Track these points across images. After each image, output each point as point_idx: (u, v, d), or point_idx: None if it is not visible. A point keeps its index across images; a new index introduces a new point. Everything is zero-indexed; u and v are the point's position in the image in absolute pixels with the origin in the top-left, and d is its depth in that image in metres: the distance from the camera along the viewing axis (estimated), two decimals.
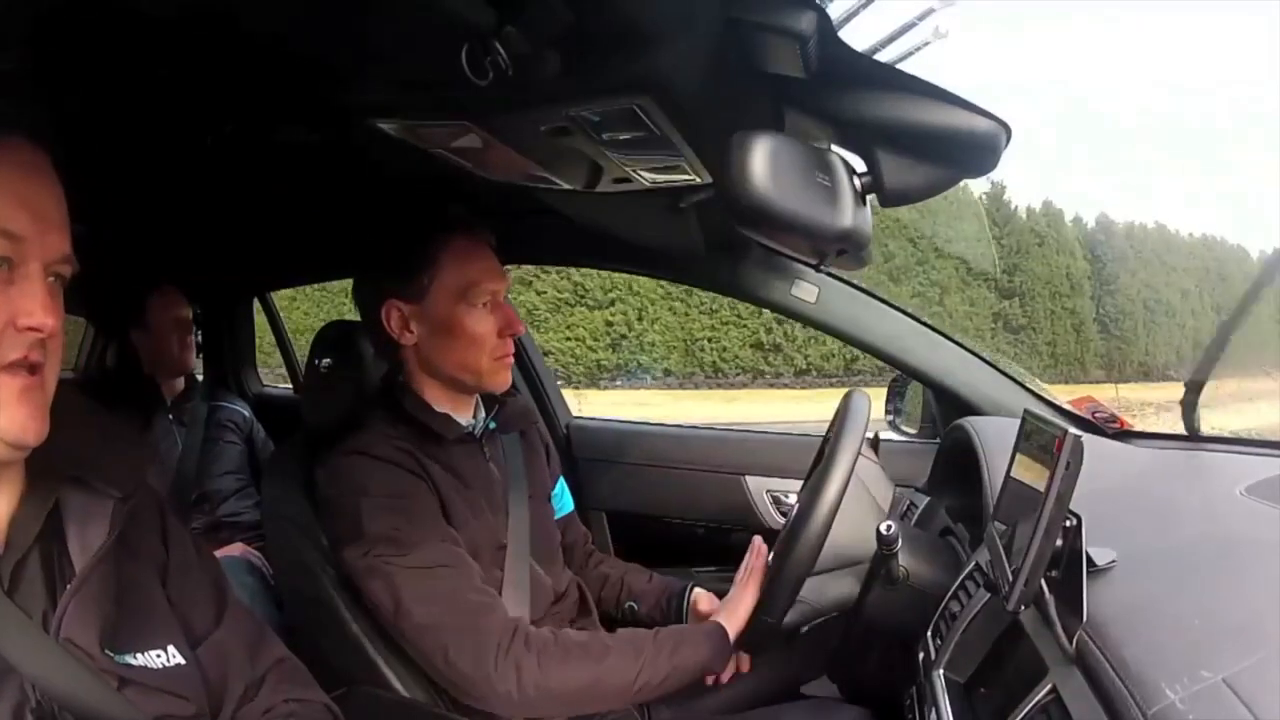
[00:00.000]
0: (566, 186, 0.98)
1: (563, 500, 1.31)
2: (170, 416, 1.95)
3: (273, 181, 1.19)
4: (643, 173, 0.94)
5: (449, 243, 1.07)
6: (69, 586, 0.61)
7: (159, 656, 0.65)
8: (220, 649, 0.71)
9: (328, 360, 1.16)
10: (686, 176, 0.95)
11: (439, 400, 1.10)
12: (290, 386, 2.55)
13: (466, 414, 1.13)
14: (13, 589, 0.60)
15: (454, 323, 1.07)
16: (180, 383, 2.00)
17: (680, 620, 1.21)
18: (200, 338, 2.39)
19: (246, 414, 2.13)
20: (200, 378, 2.23)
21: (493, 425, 1.15)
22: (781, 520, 1.47)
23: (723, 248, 1.41)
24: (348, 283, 1.20)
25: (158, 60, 0.69)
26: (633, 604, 1.27)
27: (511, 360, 1.12)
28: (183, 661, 0.66)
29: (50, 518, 0.63)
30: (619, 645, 1.02)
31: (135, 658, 0.63)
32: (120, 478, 0.66)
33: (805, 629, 1.06)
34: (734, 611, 1.09)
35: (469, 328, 1.07)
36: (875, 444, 1.01)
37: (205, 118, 0.86)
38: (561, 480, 1.32)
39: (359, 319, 1.14)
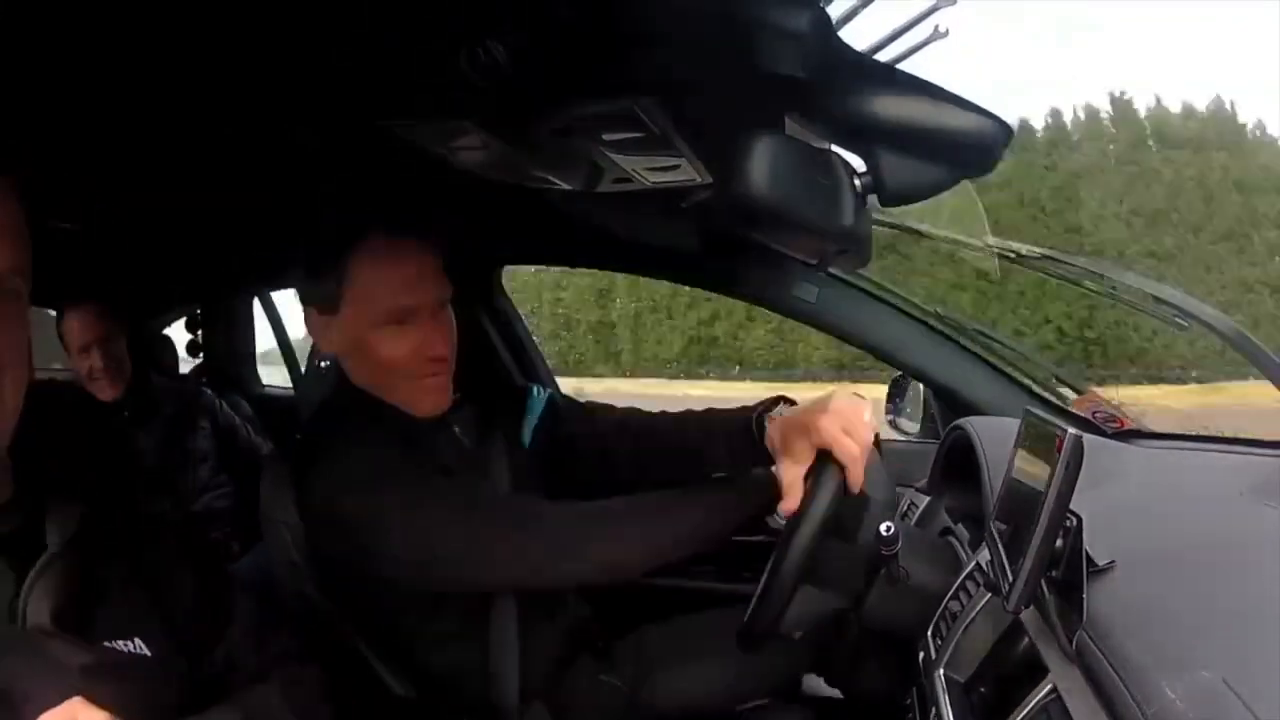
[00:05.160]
0: (566, 186, 0.98)
1: (533, 407, 1.16)
2: (127, 416, 1.92)
3: (273, 181, 1.19)
4: (643, 173, 0.94)
5: (361, 250, 0.95)
6: (34, 569, 0.60)
7: (126, 646, 0.64)
8: (230, 652, 0.72)
9: (327, 362, 1.16)
10: (686, 176, 0.95)
11: (390, 396, 1.01)
12: (290, 387, 2.55)
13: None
14: None
15: (361, 341, 0.97)
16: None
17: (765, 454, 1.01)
18: (200, 336, 2.41)
19: (216, 401, 2.12)
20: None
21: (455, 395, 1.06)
22: (782, 522, 1.47)
23: (723, 248, 1.41)
24: None
25: (157, 60, 0.69)
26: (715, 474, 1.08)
27: (441, 383, 1.01)
28: (148, 654, 0.65)
29: (33, 519, 0.63)
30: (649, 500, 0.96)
31: (104, 644, 0.63)
32: (101, 479, 0.68)
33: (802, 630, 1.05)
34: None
35: (374, 349, 0.96)
36: (876, 443, 1.00)
37: (205, 118, 0.86)
38: (529, 394, 1.19)
39: None
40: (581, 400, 1.25)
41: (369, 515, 0.92)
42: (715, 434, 1.06)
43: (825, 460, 0.91)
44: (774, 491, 0.96)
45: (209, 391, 2.14)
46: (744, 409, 1.04)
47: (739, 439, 1.02)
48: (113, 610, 0.64)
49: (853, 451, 0.90)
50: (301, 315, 1.05)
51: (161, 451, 1.94)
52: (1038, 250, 1.34)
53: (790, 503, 0.93)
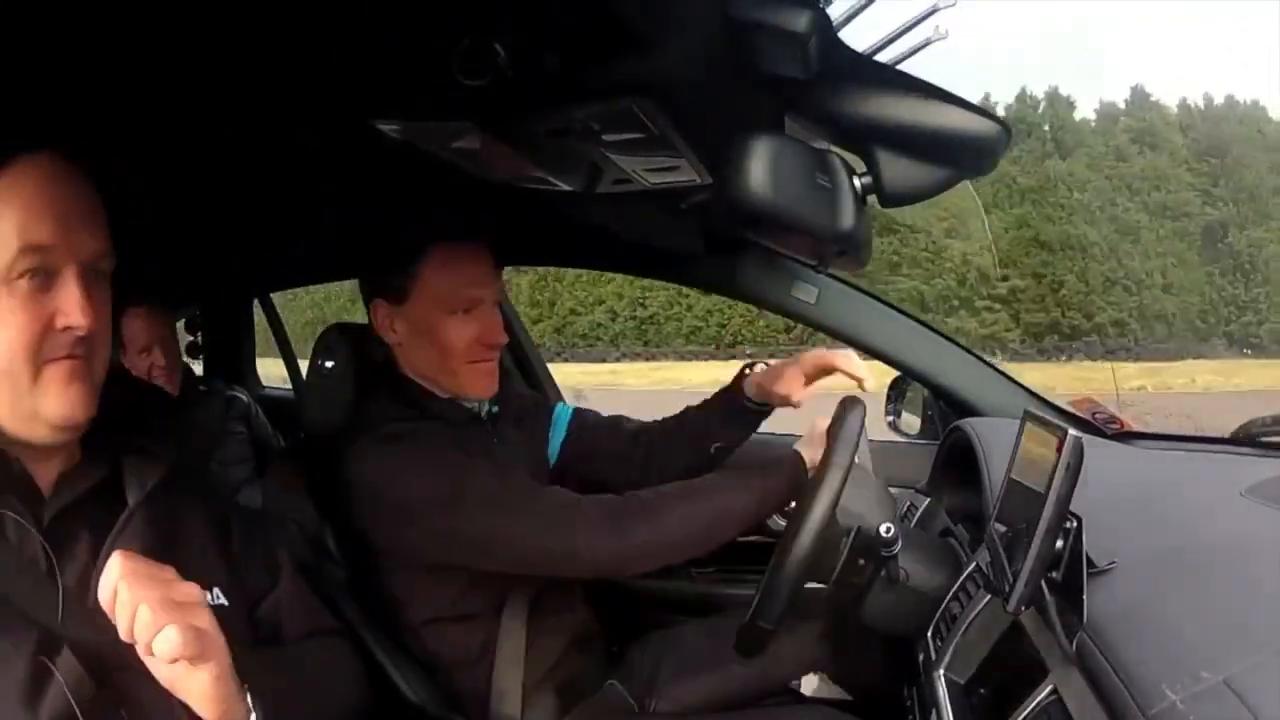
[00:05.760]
0: (566, 186, 0.98)
1: (559, 422, 1.28)
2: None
3: (273, 181, 1.19)
4: (643, 173, 0.94)
5: (434, 247, 1.06)
6: (117, 523, 0.66)
7: (209, 596, 0.66)
8: (275, 606, 0.77)
9: (330, 362, 1.16)
10: (686, 177, 0.95)
11: (438, 390, 1.10)
12: (290, 388, 2.55)
13: (468, 400, 1.13)
14: (51, 536, 0.63)
15: (430, 327, 1.07)
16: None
17: (755, 411, 1.21)
18: (200, 338, 2.41)
19: (246, 399, 2.16)
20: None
21: (495, 409, 1.15)
22: (782, 523, 1.47)
23: (723, 248, 1.41)
24: None
25: (157, 60, 0.69)
26: (717, 445, 1.24)
27: (492, 368, 1.11)
28: (225, 603, 0.69)
29: (110, 484, 0.67)
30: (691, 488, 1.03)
31: None
32: (171, 441, 0.72)
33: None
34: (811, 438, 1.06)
35: (442, 334, 1.07)
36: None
37: (205, 118, 0.86)
38: (554, 410, 1.30)
39: (362, 322, 1.15)
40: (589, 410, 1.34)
41: (434, 493, 0.99)
42: (709, 413, 1.23)
43: (841, 406, 0.98)
44: (797, 468, 1.04)
45: (244, 398, 2.15)
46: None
47: (726, 402, 1.22)
48: (194, 563, 0.68)
49: (835, 356, 1.12)
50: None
51: (194, 454, 1.96)
52: None
53: (814, 449, 1.01)
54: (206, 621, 0.59)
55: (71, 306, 0.62)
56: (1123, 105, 12.77)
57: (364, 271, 1.13)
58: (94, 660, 0.62)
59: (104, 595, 0.58)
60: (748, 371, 1.21)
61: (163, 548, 0.66)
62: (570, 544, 0.98)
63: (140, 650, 0.57)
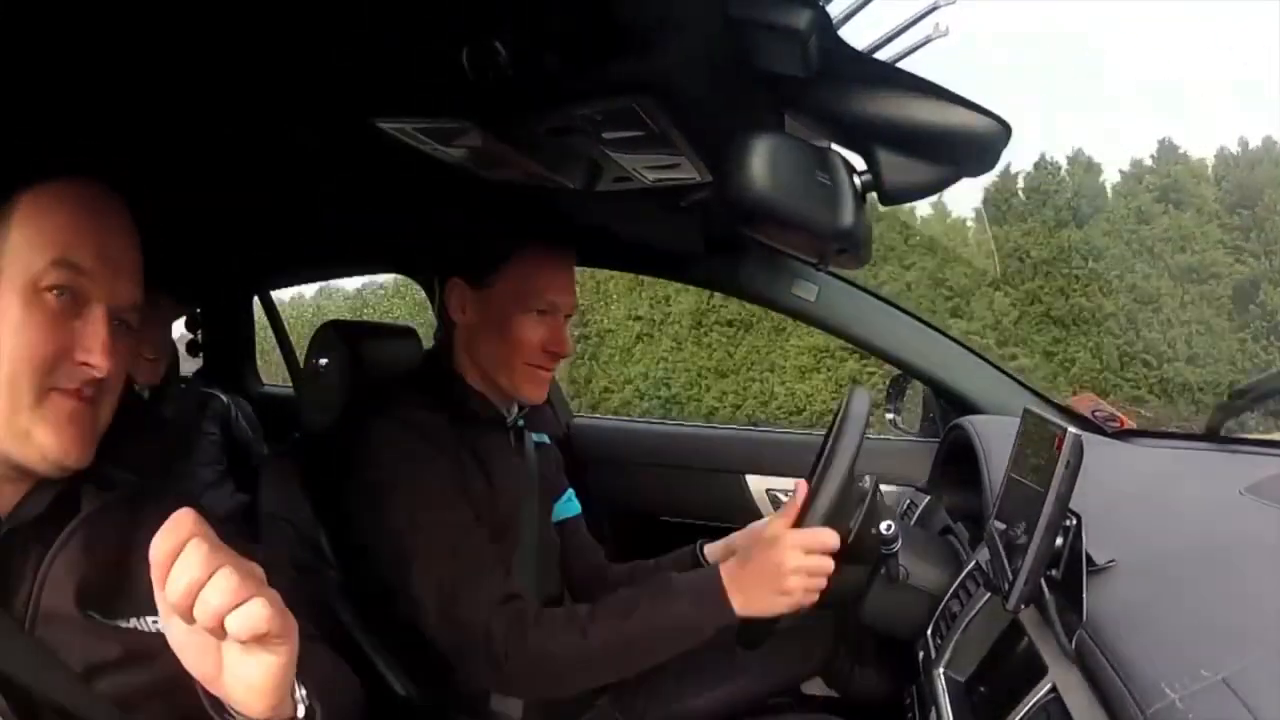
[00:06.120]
0: (566, 186, 0.98)
1: (570, 505, 1.29)
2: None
3: (273, 181, 1.19)
4: (643, 172, 0.95)
5: (530, 245, 1.07)
6: (52, 547, 0.61)
7: (155, 621, 0.62)
8: None
9: (325, 360, 1.16)
10: (686, 176, 0.95)
11: (478, 384, 1.10)
12: (290, 386, 2.55)
13: (503, 404, 1.12)
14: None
15: (504, 319, 1.07)
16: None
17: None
18: (200, 336, 2.40)
19: (225, 400, 2.14)
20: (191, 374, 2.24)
21: (521, 423, 1.15)
22: None
23: (723, 247, 1.41)
24: None
25: (157, 60, 0.69)
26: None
27: (548, 376, 1.10)
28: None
29: (67, 505, 0.63)
30: (608, 607, 0.97)
31: (126, 621, 0.62)
32: (132, 462, 0.68)
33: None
34: (744, 554, 0.96)
35: (514, 329, 1.06)
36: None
37: (206, 118, 0.86)
38: (570, 491, 1.29)
39: (356, 319, 1.15)
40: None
41: (386, 486, 0.98)
42: (663, 565, 1.18)
43: (849, 394, 0.96)
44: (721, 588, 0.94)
45: (224, 399, 2.15)
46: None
47: (683, 562, 1.16)
48: (146, 586, 0.62)
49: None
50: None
51: (164, 452, 1.95)
52: None
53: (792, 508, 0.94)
54: (280, 603, 0.52)
55: (95, 344, 0.60)
56: (1149, 162, 11.94)
57: (454, 248, 1.12)
58: (24, 700, 0.57)
59: (162, 549, 0.49)
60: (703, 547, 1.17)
61: (114, 564, 0.63)
62: (476, 615, 0.93)
63: (204, 621, 0.49)
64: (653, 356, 11.63)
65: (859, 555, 0.95)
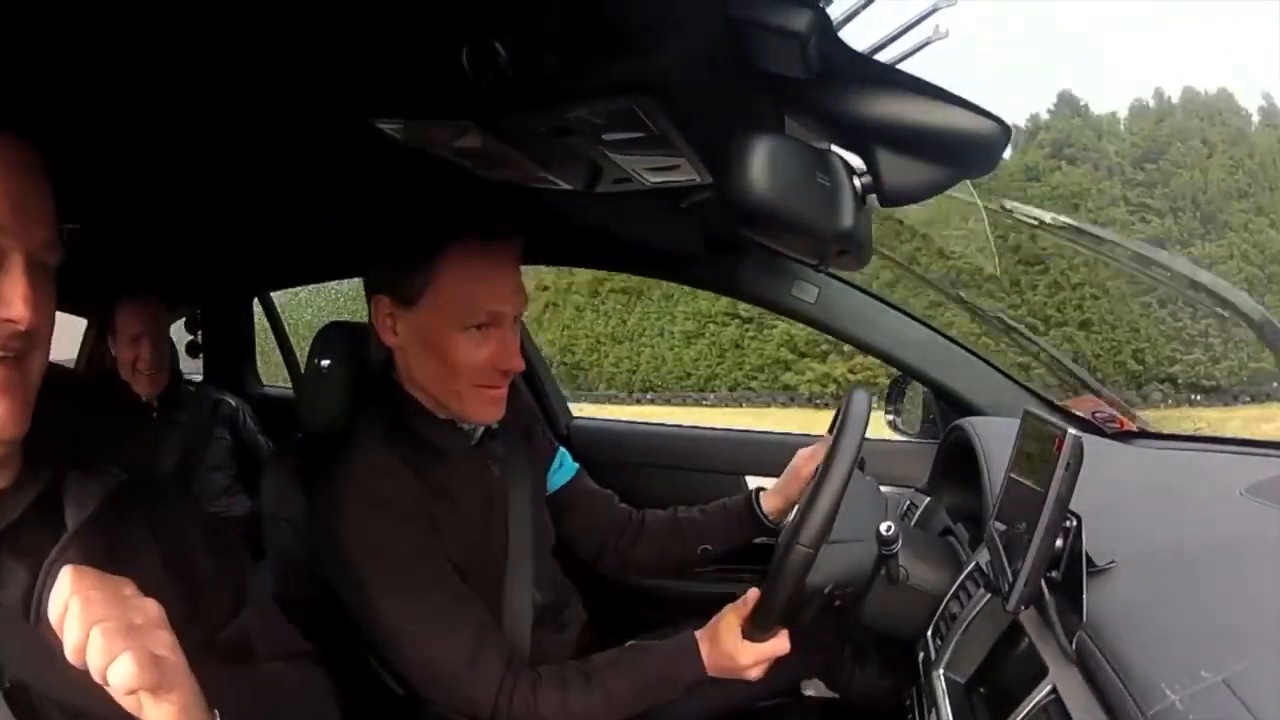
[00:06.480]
0: (566, 186, 0.98)
1: (564, 470, 1.23)
2: (156, 416, 1.95)
3: (273, 181, 1.19)
4: (643, 172, 0.94)
5: (454, 249, 0.93)
6: (53, 551, 0.60)
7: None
8: (244, 627, 0.72)
9: (327, 361, 1.15)
10: (686, 176, 0.95)
11: (431, 405, 1.01)
12: (290, 387, 2.55)
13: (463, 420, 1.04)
14: None
15: (437, 340, 0.94)
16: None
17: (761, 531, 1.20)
18: (200, 337, 2.41)
19: (234, 403, 2.15)
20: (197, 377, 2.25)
21: (495, 425, 1.08)
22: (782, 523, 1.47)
23: (723, 248, 1.41)
24: None
25: (157, 60, 0.69)
26: (705, 546, 1.21)
27: (501, 395, 0.99)
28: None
29: (49, 500, 0.62)
30: (601, 668, 0.99)
31: None
32: (120, 459, 0.67)
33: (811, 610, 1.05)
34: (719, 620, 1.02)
35: (451, 351, 0.94)
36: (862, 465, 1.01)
37: (205, 118, 0.86)
38: (560, 451, 1.24)
39: (357, 320, 1.14)
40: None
41: (369, 576, 0.93)
42: (712, 517, 1.22)
43: (850, 393, 0.96)
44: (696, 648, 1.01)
45: (233, 402, 2.15)
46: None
47: (738, 516, 1.20)
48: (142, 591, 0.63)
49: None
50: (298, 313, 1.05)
51: (179, 456, 1.96)
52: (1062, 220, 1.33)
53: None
54: (168, 646, 0.53)
55: (15, 297, 0.56)
56: (1045, 116, 10.89)
57: (373, 261, 1.01)
58: (23, 700, 0.57)
59: (54, 613, 0.52)
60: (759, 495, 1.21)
61: (113, 562, 0.60)
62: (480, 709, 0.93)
63: (95, 677, 0.51)
64: (559, 324, 11.68)
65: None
